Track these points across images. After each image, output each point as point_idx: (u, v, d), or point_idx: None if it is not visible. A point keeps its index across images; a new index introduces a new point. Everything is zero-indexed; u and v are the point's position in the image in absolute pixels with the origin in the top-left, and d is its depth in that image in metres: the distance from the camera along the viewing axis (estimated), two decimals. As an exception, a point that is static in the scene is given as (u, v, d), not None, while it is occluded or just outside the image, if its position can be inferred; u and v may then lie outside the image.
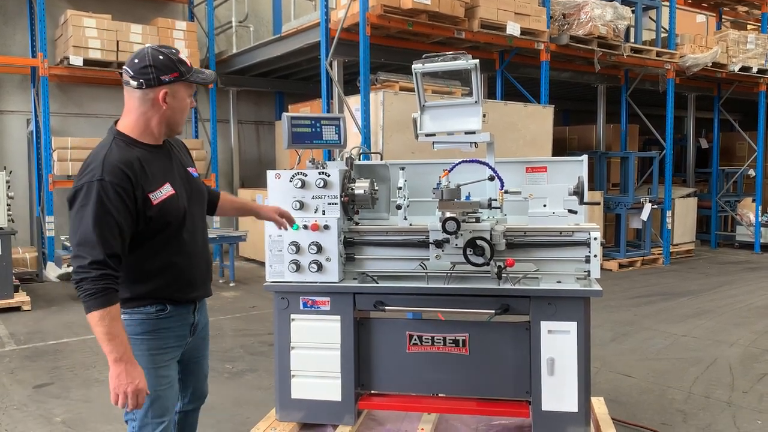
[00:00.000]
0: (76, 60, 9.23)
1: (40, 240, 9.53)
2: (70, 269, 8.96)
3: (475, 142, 3.54)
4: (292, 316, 3.47)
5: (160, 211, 2.24)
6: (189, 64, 2.32)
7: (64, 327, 6.54)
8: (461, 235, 3.15)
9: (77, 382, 4.87)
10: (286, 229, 3.03)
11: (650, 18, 12.03)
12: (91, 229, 2.09)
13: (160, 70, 2.23)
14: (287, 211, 3.02)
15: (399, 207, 3.52)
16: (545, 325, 3.22)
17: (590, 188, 7.95)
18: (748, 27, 13.49)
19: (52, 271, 9.18)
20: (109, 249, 2.10)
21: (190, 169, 2.49)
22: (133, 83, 2.24)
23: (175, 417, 2.54)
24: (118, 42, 9.55)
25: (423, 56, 3.46)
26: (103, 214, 2.10)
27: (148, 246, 2.27)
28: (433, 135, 3.57)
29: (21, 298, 7.34)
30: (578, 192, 3.33)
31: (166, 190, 2.28)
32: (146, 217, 2.22)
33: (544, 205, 3.35)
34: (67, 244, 7.81)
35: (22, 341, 6.03)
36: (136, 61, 2.24)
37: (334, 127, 3.64)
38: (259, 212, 2.94)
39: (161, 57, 2.24)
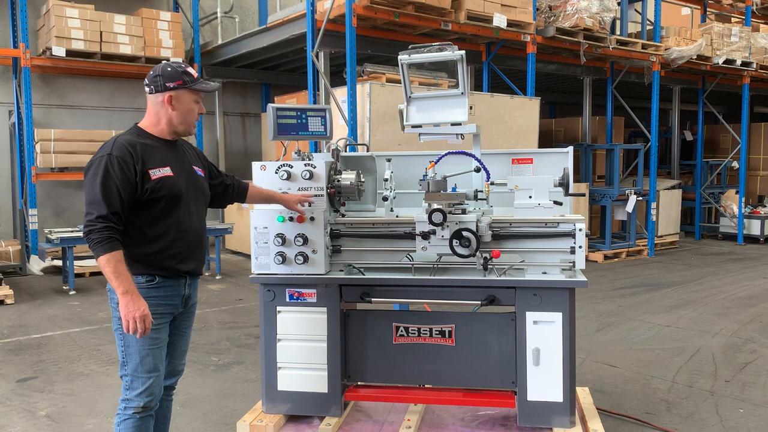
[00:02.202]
0: (59, 51, 9.11)
1: (24, 233, 9.42)
2: (54, 262, 8.93)
3: (462, 134, 3.54)
4: (279, 308, 3.46)
5: (157, 184, 2.70)
6: (195, 75, 2.81)
7: (48, 320, 6.49)
8: (447, 226, 3.16)
9: (61, 376, 4.84)
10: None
11: (636, 10, 12.08)
12: (98, 192, 2.59)
13: (166, 78, 2.75)
14: (304, 195, 3.32)
15: (385, 199, 3.52)
16: (531, 316, 3.24)
17: (576, 180, 7.99)
18: (733, 20, 13.58)
19: (35, 265, 9.10)
20: (111, 207, 2.58)
21: (196, 168, 2.96)
22: (147, 89, 2.79)
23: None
24: (101, 32, 9.44)
25: (409, 47, 3.46)
26: (107, 180, 2.60)
27: (146, 216, 2.71)
28: (420, 126, 3.57)
29: (4, 291, 7.26)
30: (564, 183, 3.34)
31: (165, 171, 2.74)
32: (144, 188, 2.68)
33: (530, 197, 3.36)
34: (51, 237, 7.74)
35: (5, 335, 5.97)
36: (152, 72, 2.79)
37: (320, 118, 3.62)
38: (284, 202, 3.28)
39: (169, 69, 2.77)
